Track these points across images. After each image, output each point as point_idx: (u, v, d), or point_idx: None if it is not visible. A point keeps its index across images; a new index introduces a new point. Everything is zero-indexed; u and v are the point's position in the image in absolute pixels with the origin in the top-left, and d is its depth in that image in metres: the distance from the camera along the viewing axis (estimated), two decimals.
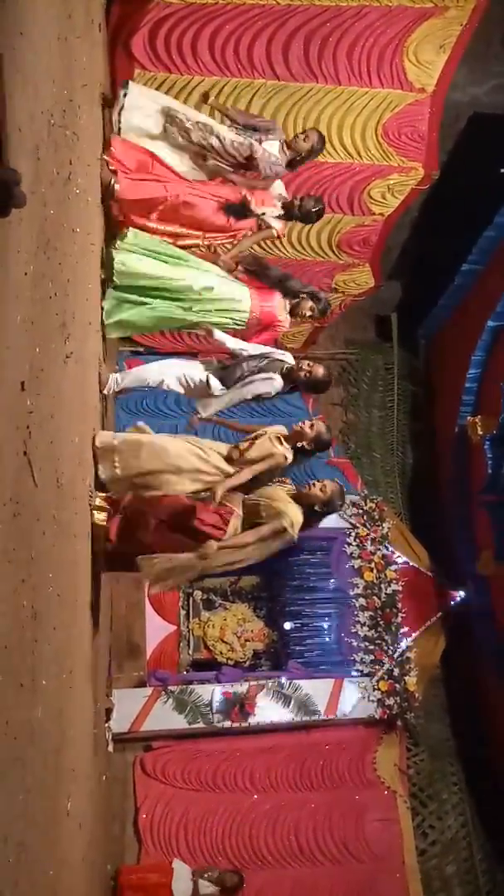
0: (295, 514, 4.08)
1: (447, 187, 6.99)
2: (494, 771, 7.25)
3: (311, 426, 4.39)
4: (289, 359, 4.84)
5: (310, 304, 5.07)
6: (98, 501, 3.93)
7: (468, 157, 7.04)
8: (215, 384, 4.69)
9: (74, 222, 3.25)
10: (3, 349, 1.93)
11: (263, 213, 5.00)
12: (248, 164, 4.99)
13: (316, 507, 4.19)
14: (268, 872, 6.45)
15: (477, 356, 7.45)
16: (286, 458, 4.29)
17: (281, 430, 4.46)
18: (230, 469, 4.22)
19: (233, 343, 4.77)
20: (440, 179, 6.78)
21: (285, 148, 5.12)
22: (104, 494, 4.03)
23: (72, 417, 3.17)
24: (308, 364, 4.75)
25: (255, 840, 6.51)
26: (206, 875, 5.83)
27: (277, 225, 5.11)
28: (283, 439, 4.35)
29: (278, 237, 5.34)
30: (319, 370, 4.73)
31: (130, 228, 4.66)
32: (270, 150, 5.04)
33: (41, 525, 2.41)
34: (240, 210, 4.97)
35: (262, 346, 4.91)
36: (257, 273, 5.20)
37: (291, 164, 5.21)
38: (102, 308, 4.51)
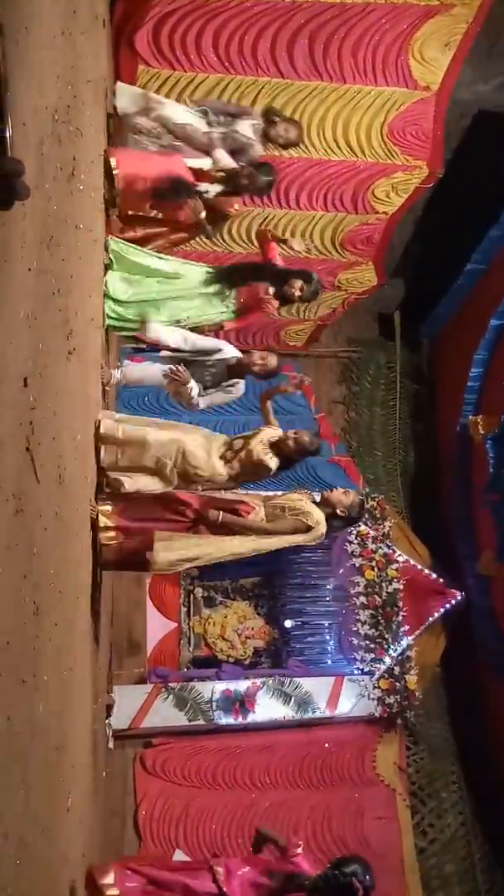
0: (320, 515, 4.23)
1: (452, 185, 6.97)
2: (494, 770, 7.26)
3: (295, 440, 4.40)
4: (232, 352, 4.79)
5: (299, 282, 4.80)
6: (102, 518, 3.93)
7: (473, 155, 7.01)
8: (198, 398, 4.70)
9: (78, 218, 3.25)
10: (6, 344, 1.93)
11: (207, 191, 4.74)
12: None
13: (338, 511, 4.28)
14: None
15: (479, 355, 7.45)
16: (271, 469, 4.40)
17: (274, 433, 4.51)
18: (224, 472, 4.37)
19: (170, 336, 4.78)
20: (445, 178, 6.75)
21: (259, 132, 4.95)
22: (106, 509, 4.03)
23: (74, 413, 3.17)
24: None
25: None
26: None
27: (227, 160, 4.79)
28: (271, 446, 4.45)
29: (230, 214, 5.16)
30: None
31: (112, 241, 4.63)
32: (243, 130, 4.87)
33: (43, 521, 2.41)
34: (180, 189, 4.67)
35: (207, 338, 4.86)
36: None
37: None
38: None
